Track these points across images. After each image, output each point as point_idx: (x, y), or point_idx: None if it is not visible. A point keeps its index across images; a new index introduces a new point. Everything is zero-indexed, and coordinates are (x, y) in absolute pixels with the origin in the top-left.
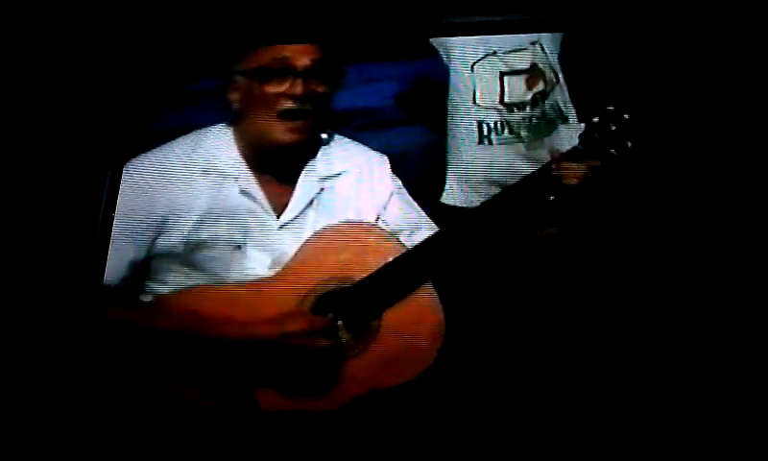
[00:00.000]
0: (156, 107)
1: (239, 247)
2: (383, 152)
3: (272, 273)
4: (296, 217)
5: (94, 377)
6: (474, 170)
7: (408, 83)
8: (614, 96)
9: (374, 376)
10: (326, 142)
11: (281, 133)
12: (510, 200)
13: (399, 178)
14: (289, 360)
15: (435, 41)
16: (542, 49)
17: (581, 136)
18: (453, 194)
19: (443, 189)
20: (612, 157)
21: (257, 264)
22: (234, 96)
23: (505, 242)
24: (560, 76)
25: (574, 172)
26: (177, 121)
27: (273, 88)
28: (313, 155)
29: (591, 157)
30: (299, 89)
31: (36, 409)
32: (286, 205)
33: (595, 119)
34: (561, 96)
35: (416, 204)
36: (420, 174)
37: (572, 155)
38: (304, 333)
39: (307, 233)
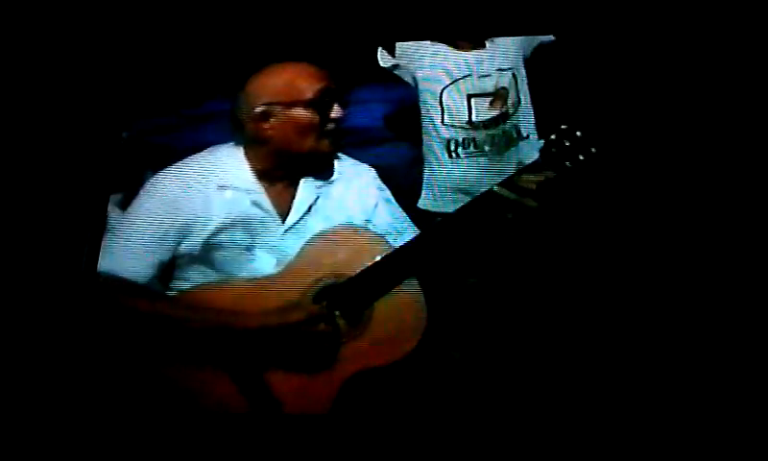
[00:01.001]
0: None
1: (249, 249)
2: (373, 165)
3: (277, 271)
4: (297, 222)
5: (119, 362)
6: (445, 180)
7: (395, 104)
8: (571, 116)
9: (368, 357)
10: (336, 158)
11: (328, 147)
12: (480, 205)
13: (389, 187)
14: (292, 344)
15: (400, 71)
16: (514, 76)
17: (540, 151)
18: (427, 201)
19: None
20: (567, 168)
21: (265, 264)
22: (268, 124)
23: (477, 241)
24: (526, 98)
25: (535, 181)
26: (184, 139)
27: (323, 114)
28: (318, 168)
29: (549, 169)
30: (339, 113)
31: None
32: (289, 211)
33: (552, 136)
34: (524, 117)
35: (401, 210)
36: (405, 185)
37: (533, 167)
38: (305, 321)
39: (307, 236)
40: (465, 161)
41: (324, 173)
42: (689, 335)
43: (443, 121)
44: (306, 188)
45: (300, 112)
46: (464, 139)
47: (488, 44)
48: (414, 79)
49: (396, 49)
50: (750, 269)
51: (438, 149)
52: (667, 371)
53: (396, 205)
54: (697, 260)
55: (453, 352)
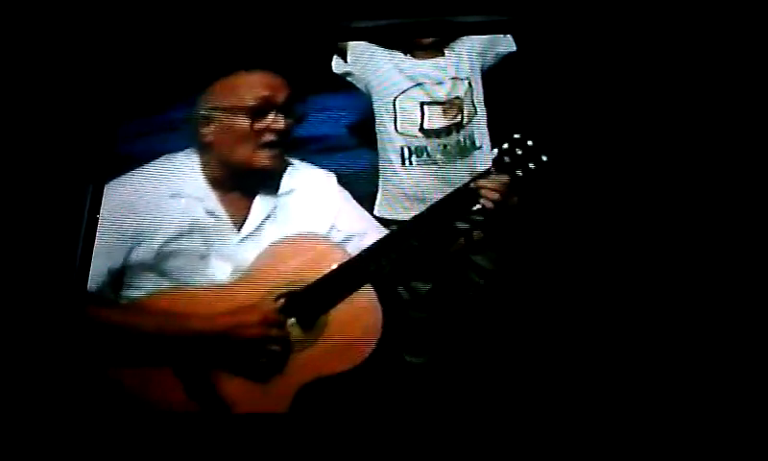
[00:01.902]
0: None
1: (203, 257)
2: (336, 172)
3: (232, 279)
4: (254, 230)
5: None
6: (399, 188)
7: (358, 112)
8: (524, 125)
9: (323, 365)
10: (293, 167)
11: (263, 160)
12: (436, 213)
13: (353, 194)
14: (243, 348)
15: (353, 78)
16: (470, 85)
17: (493, 160)
18: (383, 207)
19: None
20: (519, 177)
21: (219, 272)
22: (209, 129)
23: (432, 249)
24: (481, 108)
25: (487, 189)
26: (147, 146)
27: (259, 124)
28: (275, 176)
29: (502, 177)
30: (281, 124)
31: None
32: (245, 219)
33: (505, 145)
34: (478, 126)
35: (365, 212)
36: (368, 190)
37: (486, 175)
38: (257, 324)
39: (264, 244)
40: (417, 169)
41: (283, 181)
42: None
43: (396, 129)
44: (264, 196)
45: (236, 119)
46: (416, 147)
47: (446, 52)
48: (367, 86)
49: (349, 55)
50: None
51: (392, 156)
52: (622, 369)
53: (359, 207)
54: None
55: (408, 357)
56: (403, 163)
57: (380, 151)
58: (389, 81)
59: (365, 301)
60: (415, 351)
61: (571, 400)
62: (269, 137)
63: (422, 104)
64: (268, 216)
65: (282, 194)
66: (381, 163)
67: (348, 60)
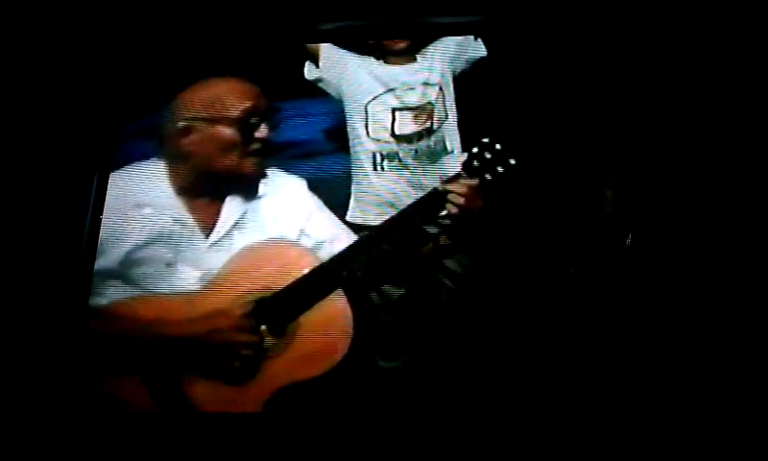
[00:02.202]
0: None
1: (170, 265)
2: (312, 178)
3: (202, 285)
4: (223, 237)
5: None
6: (371, 193)
7: (334, 117)
8: (494, 130)
9: (294, 370)
10: (265, 174)
11: (249, 167)
12: (406, 218)
13: (327, 199)
14: (214, 354)
15: (324, 84)
16: (441, 90)
17: (462, 164)
18: (355, 212)
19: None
20: (488, 181)
21: (188, 278)
22: (189, 139)
23: (403, 253)
24: (452, 113)
25: (456, 194)
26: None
27: (246, 133)
28: (245, 182)
29: (471, 181)
30: (264, 132)
31: None
32: (214, 226)
33: (474, 150)
34: (449, 131)
35: (336, 218)
36: (342, 195)
37: (455, 179)
38: (228, 329)
39: (233, 250)
40: (389, 174)
41: (252, 188)
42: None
43: (368, 134)
44: (233, 203)
45: (223, 130)
46: (388, 152)
47: (419, 58)
48: (339, 91)
49: (321, 61)
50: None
51: (364, 162)
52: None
53: (330, 213)
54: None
55: (381, 362)
56: (375, 168)
57: (352, 156)
58: (361, 86)
59: (336, 306)
60: (388, 355)
61: (544, 402)
62: (255, 146)
63: (394, 109)
64: (237, 223)
65: (252, 200)
66: (353, 168)
67: (320, 65)
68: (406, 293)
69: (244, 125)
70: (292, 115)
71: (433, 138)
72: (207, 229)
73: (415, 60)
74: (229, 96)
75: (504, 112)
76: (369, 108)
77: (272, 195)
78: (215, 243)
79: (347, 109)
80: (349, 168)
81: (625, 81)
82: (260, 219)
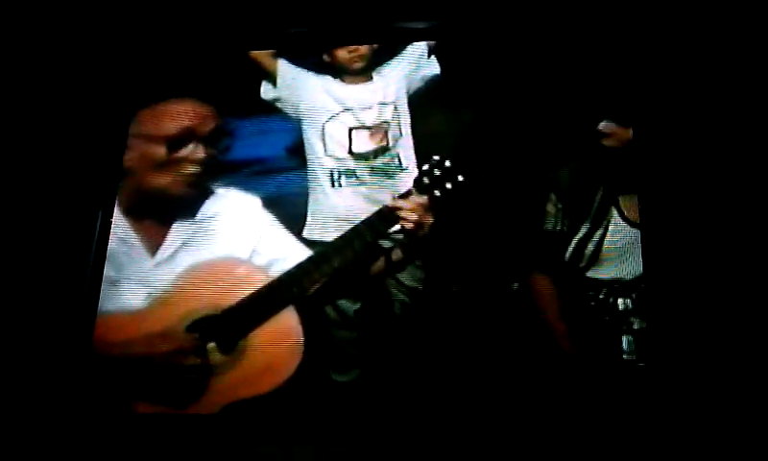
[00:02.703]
0: None
1: (114, 283)
2: (273, 195)
3: (147, 304)
4: (170, 256)
5: None
6: (328, 210)
7: (296, 135)
8: (444, 147)
9: (243, 388)
10: (217, 193)
11: (179, 189)
12: (358, 234)
13: (284, 216)
14: (161, 375)
15: (282, 103)
16: (396, 109)
17: (414, 181)
18: (313, 230)
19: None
20: (437, 197)
21: (133, 297)
22: (128, 156)
23: (356, 270)
24: (406, 131)
25: (408, 209)
26: None
27: (177, 153)
28: (194, 202)
29: (422, 197)
30: (200, 154)
31: None
32: (161, 245)
33: (425, 167)
34: (403, 148)
35: (290, 235)
36: (301, 212)
37: (406, 196)
38: (174, 352)
39: (180, 269)
40: (347, 191)
41: (204, 207)
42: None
43: (325, 152)
44: (182, 222)
45: (155, 149)
46: (345, 170)
47: (375, 77)
48: (297, 110)
49: (279, 80)
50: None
51: (321, 179)
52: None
53: (284, 229)
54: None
55: (335, 376)
56: (333, 185)
57: (310, 173)
58: (318, 105)
59: (286, 323)
60: (342, 369)
61: (499, 411)
62: (186, 167)
63: (351, 128)
64: (185, 242)
65: (202, 220)
66: (311, 185)
67: (278, 84)
68: (362, 308)
69: (176, 145)
70: (253, 133)
71: (388, 156)
72: (154, 248)
73: (371, 78)
74: (169, 115)
75: (455, 130)
76: (326, 126)
77: (224, 215)
78: (162, 262)
79: (304, 127)
80: (306, 184)
81: (570, 97)
82: (210, 239)
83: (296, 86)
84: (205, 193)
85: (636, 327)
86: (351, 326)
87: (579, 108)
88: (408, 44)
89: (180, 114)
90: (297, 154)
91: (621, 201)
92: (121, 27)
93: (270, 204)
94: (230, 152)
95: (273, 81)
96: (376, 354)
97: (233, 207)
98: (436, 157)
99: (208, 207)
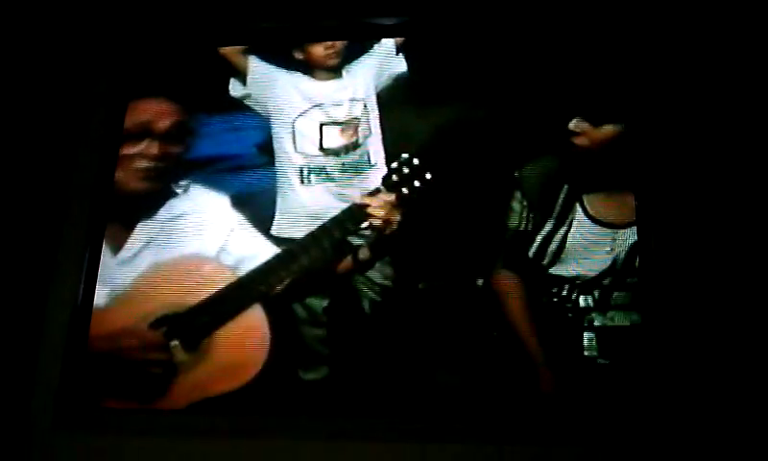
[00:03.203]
0: None
1: None
2: (242, 192)
3: (110, 302)
4: (134, 254)
5: None
6: (297, 206)
7: (268, 132)
8: (413, 144)
9: (208, 386)
10: (184, 191)
11: (132, 183)
12: (326, 232)
13: (252, 214)
14: (124, 372)
15: (251, 101)
16: (366, 107)
17: (383, 179)
18: (281, 227)
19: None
20: (405, 195)
21: (96, 295)
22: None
23: (322, 267)
24: (375, 128)
25: (376, 207)
26: None
27: (129, 149)
28: (159, 199)
29: (390, 195)
30: (154, 150)
31: None
32: (124, 243)
33: (393, 165)
34: (373, 145)
35: (259, 234)
36: (271, 210)
37: (375, 193)
38: (137, 348)
39: (144, 267)
40: (316, 187)
41: (168, 205)
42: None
43: (295, 148)
44: (148, 222)
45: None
46: (315, 166)
47: (345, 74)
48: (266, 107)
49: (249, 77)
50: None
51: (290, 176)
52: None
53: (253, 228)
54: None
55: (304, 374)
56: (302, 182)
57: (278, 170)
58: (288, 102)
59: (252, 321)
60: (311, 366)
61: (465, 409)
62: (139, 162)
63: (322, 124)
64: (150, 239)
65: (168, 218)
66: (279, 183)
67: (248, 81)
68: (330, 305)
69: (130, 140)
70: (222, 130)
71: (358, 152)
72: (118, 246)
73: (341, 75)
74: (134, 110)
75: (423, 127)
76: (296, 123)
77: (191, 213)
78: (125, 260)
79: (273, 124)
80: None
81: (538, 93)
82: (176, 236)
83: (266, 83)
84: (171, 191)
85: (597, 323)
86: (320, 323)
87: (548, 104)
88: (376, 42)
89: (137, 111)
90: (267, 151)
91: (585, 198)
92: (88, 23)
93: (239, 201)
94: (198, 149)
95: (242, 78)
96: (345, 352)
97: (201, 205)
98: (404, 155)
99: (175, 205)
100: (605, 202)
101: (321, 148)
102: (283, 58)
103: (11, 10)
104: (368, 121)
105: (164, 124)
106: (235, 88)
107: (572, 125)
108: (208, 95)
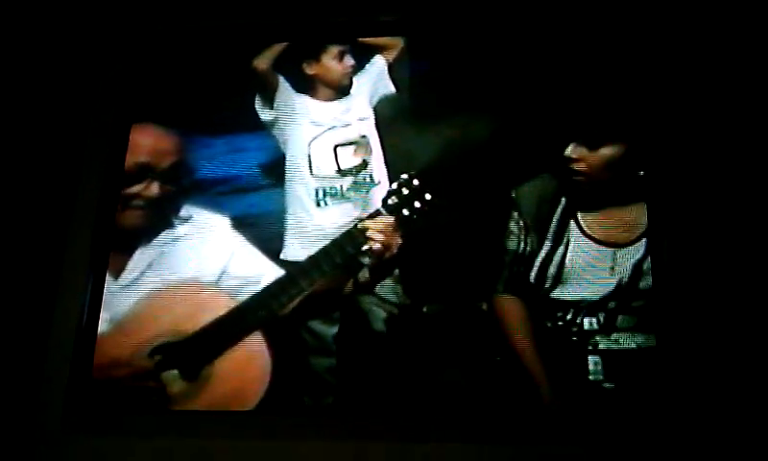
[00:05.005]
0: None
1: None
2: (243, 214)
3: (108, 329)
4: (134, 279)
5: None
6: (312, 228)
7: (270, 152)
8: (414, 163)
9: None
10: (183, 222)
11: (130, 220)
12: (326, 256)
13: (256, 236)
14: (123, 399)
15: (276, 123)
16: (369, 124)
17: (382, 200)
18: (292, 251)
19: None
20: (405, 217)
21: None
22: None
23: (324, 291)
24: (377, 146)
25: (376, 230)
26: None
27: (129, 188)
28: (159, 228)
29: (389, 218)
30: (153, 191)
31: None
32: (124, 268)
33: (393, 186)
34: (377, 164)
35: (262, 255)
36: (276, 232)
37: (374, 215)
38: (134, 377)
39: (143, 293)
40: (332, 209)
41: (171, 229)
42: None
43: (311, 171)
44: (148, 246)
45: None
46: (331, 188)
47: (352, 93)
48: (284, 132)
49: (276, 101)
50: None
51: (305, 198)
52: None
53: (256, 250)
54: None
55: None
56: (318, 205)
57: (290, 194)
58: (303, 124)
59: (253, 348)
60: (317, 395)
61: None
62: (137, 202)
63: (336, 146)
64: (150, 264)
65: (168, 242)
66: (291, 206)
67: (275, 106)
68: (341, 331)
69: (131, 179)
70: (224, 151)
71: (367, 171)
72: (117, 271)
73: (349, 94)
74: (134, 147)
75: (423, 146)
76: (312, 145)
77: (191, 235)
78: (125, 285)
79: (288, 146)
80: (284, 204)
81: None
82: (176, 261)
83: (289, 106)
84: (171, 215)
85: (601, 346)
86: (329, 351)
87: (544, 123)
88: (369, 62)
89: (138, 147)
90: (272, 171)
91: (580, 216)
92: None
93: (240, 224)
94: (199, 171)
95: (270, 97)
96: (353, 380)
97: (202, 229)
98: (404, 176)
99: (176, 230)
100: (601, 219)
101: (338, 169)
102: (292, 74)
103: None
104: (369, 140)
105: (165, 163)
106: (264, 112)
107: (569, 151)
108: (208, 116)
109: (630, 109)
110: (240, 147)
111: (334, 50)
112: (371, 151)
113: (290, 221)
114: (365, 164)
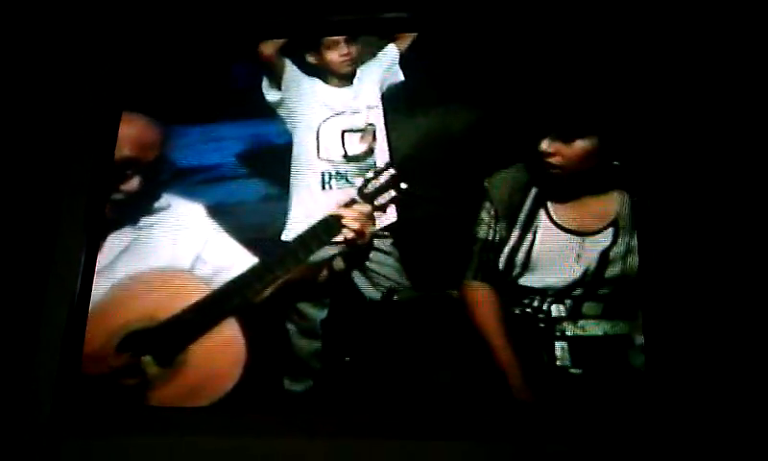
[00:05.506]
0: None
1: None
2: (221, 203)
3: None
4: (104, 267)
5: None
6: (316, 211)
7: (249, 142)
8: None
9: (180, 401)
10: (160, 210)
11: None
12: (301, 243)
13: (231, 224)
14: (98, 385)
15: (283, 106)
16: (376, 111)
17: (358, 189)
18: (294, 232)
19: (282, 230)
20: (379, 206)
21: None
22: None
23: (299, 278)
24: (380, 134)
25: (350, 218)
26: None
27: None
28: (137, 211)
29: (365, 206)
30: (134, 186)
31: None
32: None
33: (369, 174)
34: (381, 151)
35: (236, 243)
36: (252, 221)
37: (350, 204)
38: (105, 365)
39: (115, 280)
40: (336, 193)
41: (143, 216)
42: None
43: (318, 155)
44: (118, 233)
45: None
46: (336, 172)
47: (356, 81)
48: (292, 113)
49: (284, 82)
50: None
51: (311, 181)
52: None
53: (230, 238)
54: None
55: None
56: (323, 188)
57: (295, 176)
58: (313, 108)
59: (227, 335)
60: (296, 376)
61: (454, 418)
62: (118, 196)
63: (344, 131)
64: (122, 252)
65: (142, 229)
66: (295, 189)
67: (283, 86)
68: (330, 315)
69: (116, 172)
70: (201, 140)
71: (372, 158)
72: None
73: (351, 82)
74: (121, 139)
75: (419, 135)
76: (321, 129)
77: (165, 222)
78: (98, 272)
79: (296, 129)
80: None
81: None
82: (149, 249)
83: (296, 89)
84: (149, 205)
85: (569, 333)
86: (313, 333)
87: (520, 116)
88: (380, 50)
89: (124, 140)
90: (248, 161)
91: (551, 206)
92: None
93: (216, 211)
94: (177, 160)
95: (277, 80)
96: (336, 363)
97: (176, 216)
98: (380, 165)
99: (148, 218)
100: (569, 208)
101: (345, 155)
102: (299, 61)
103: None
104: (375, 127)
105: (148, 157)
106: (270, 93)
107: (544, 146)
108: (188, 105)
109: (604, 100)
110: (216, 137)
111: (331, 40)
112: (376, 138)
113: (293, 203)
114: (371, 151)
